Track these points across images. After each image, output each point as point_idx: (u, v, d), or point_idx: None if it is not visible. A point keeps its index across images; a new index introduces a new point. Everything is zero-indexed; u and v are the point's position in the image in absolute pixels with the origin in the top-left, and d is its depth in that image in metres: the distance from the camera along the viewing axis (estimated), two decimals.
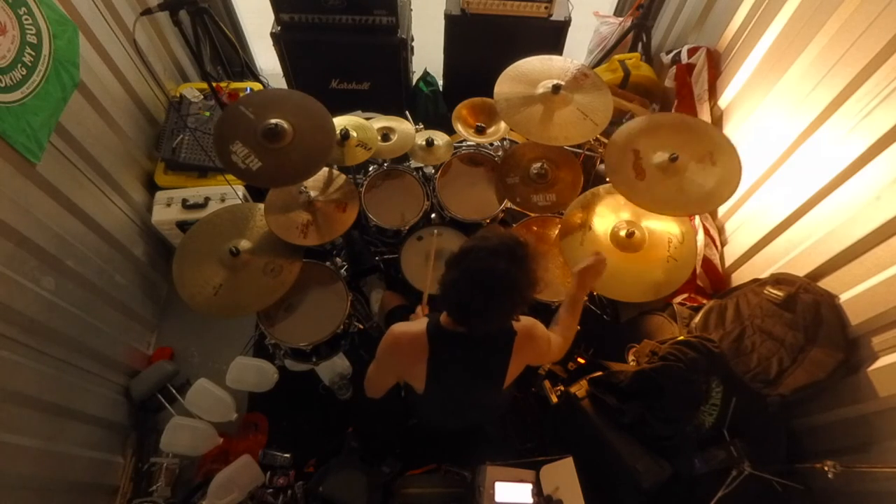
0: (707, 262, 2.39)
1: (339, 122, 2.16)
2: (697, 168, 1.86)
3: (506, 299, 1.29)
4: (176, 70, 2.97)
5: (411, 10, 3.08)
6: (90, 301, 2.11)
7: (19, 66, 1.74)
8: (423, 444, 2.14)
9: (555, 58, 2.17)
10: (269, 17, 2.78)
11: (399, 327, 1.48)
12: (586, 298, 2.29)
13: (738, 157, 1.86)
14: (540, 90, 2.06)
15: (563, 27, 2.87)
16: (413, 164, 2.48)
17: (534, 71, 2.12)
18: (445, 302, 1.35)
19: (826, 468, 1.61)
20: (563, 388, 2.12)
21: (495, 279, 1.25)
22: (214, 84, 2.47)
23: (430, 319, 1.44)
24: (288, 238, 1.95)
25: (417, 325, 1.46)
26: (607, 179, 1.97)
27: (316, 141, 1.84)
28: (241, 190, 2.49)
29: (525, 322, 1.46)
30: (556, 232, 2.19)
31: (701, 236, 2.37)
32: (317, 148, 1.83)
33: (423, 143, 2.33)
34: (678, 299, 2.30)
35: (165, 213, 2.47)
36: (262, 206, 2.03)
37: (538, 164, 2.22)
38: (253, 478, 2.01)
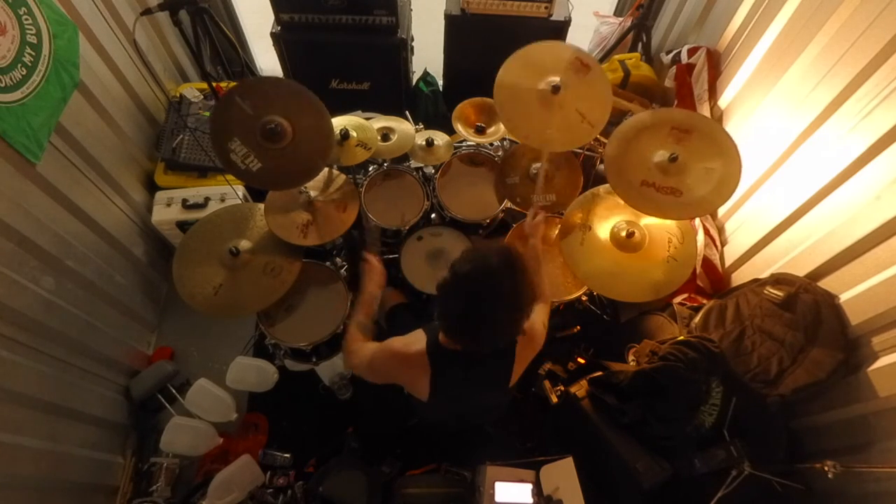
0: (707, 262, 2.39)
1: (339, 122, 2.16)
2: (692, 152, 1.83)
3: (515, 313, 1.26)
4: (176, 70, 2.97)
5: (411, 10, 3.08)
6: (90, 301, 2.11)
7: (19, 66, 1.74)
8: (423, 444, 2.14)
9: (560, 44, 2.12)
10: (269, 16, 2.78)
11: (397, 344, 1.45)
12: (586, 298, 2.31)
13: (734, 141, 1.81)
14: (541, 86, 2.05)
15: (563, 27, 2.87)
16: (413, 164, 2.48)
17: (539, 61, 2.08)
18: (452, 332, 1.32)
19: (826, 468, 1.61)
20: (563, 388, 2.12)
21: (503, 298, 1.22)
22: (214, 84, 2.47)
23: (429, 338, 1.42)
24: (288, 238, 1.95)
25: (416, 343, 1.43)
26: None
27: (315, 142, 1.83)
28: (241, 190, 2.49)
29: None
30: (556, 232, 2.19)
31: (701, 236, 2.37)
32: (316, 149, 1.82)
33: (423, 143, 2.33)
34: (678, 299, 2.30)
35: (165, 213, 2.47)
36: (262, 206, 2.03)
37: (538, 164, 2.22)
38: (253, 478, 2.01)
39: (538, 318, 1.53)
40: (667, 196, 1.79)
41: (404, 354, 1.43)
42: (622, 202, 2.02)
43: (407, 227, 2.24)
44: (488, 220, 2.28)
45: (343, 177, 2.16)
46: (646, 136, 1.87)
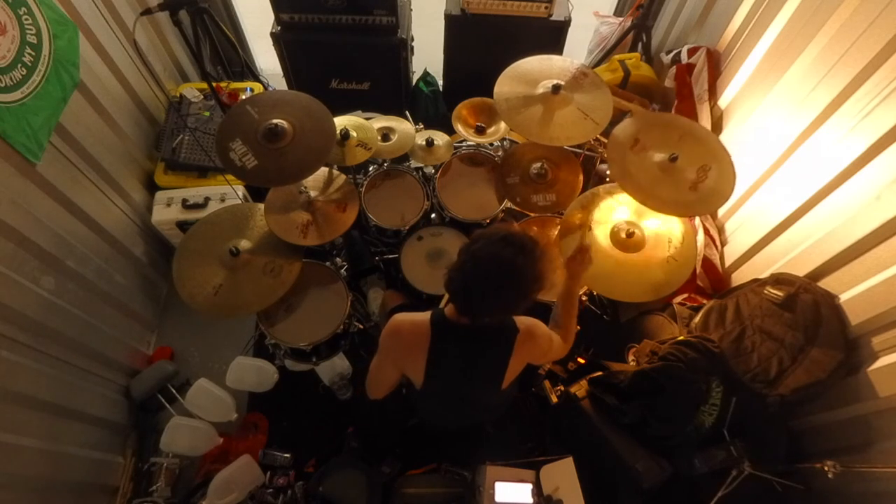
0: (707, 262, 2.39)
1: (339, 122, 2.16)
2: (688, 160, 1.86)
3: (508, 288, 1.29)
4: (176, 70, 2.97)
5: (411, 10, 3.08)
6: (90, 301, 2.10)
7: (19, 66, 1.74)
8: (423, 444, 2.14)
9: (554, 57, 2.17)
10: (269, 17, 2.78)
11: (402, 315, 1.48)
12: (586, 298, 2.31)
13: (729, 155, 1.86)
14: (540, 90, 2.06)
15: (563, 27, 2.87)
16: (413, 164, 2.48)
17: (533, 71, 2.12)
18: (449, 285, 1.35)
19: (826, 468, 1.61)
20: (563, 388, 2.12)
21: (500, 265, 1.26)
22: (214, 84, 2.47)
23: (436, 310, 1.45)
24: (288, 238, 1.95)
25: (421, 314, 1.46)
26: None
27: (314, 144, 1.84)
28: (241, 190, 2.49)
29: (527, 321, 1.46)
30: (556, 232, 2.18)
31: (701, 236, 2.37)
32: (314, 151, 1.83)
33: (423, 143, 2.33)
34: (678, 299, 2.30)
35: (165, 213, 2.47)
36: (262, 206, 2.03)
37: (538, 164, 2.22)
38: (253, 478, 2.01)
39: (548, 332, 1.53)
40: (708, 182, 1.84)
41: (408, 321, 1.45)
42: (621, 202, 2.04)
43: (407, 227, 2.24)
44: (488, 220, 2.28)
45: (343, 177, 2.16)
46: (631, 159, 1.91)
